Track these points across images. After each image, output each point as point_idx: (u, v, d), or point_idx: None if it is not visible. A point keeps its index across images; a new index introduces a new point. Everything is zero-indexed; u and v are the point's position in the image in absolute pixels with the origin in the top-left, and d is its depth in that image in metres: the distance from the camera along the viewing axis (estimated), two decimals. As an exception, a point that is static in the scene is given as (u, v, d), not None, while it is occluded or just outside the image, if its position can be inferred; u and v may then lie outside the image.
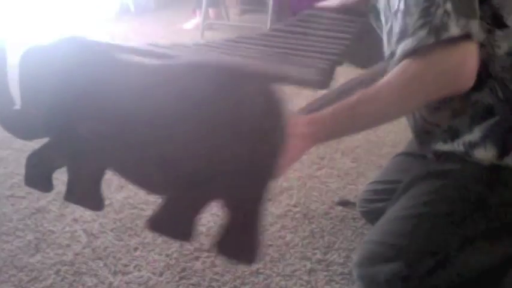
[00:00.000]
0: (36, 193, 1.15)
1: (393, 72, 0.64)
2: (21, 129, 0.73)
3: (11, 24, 2.84)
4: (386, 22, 0.72)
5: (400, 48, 0.64)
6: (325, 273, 0.92)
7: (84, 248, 0.97)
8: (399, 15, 0.66)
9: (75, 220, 1.05)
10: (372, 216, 0.99)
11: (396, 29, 0.67)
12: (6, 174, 1.23)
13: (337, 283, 0.89)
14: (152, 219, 0.69)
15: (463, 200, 0.75)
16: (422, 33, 0.61)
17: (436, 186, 0.77)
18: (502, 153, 0.73)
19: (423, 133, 0.80)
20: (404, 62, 0.64)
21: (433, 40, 0.60)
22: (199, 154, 0.60)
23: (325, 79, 0.65)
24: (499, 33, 0.68)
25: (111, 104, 0.63)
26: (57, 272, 0.90)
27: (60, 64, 0.65)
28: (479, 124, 0.73)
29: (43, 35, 2.62)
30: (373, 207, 1.00)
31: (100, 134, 0.65)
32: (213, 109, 0.55)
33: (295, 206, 1.13)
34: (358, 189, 1.20)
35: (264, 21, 2.69)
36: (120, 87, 0.62)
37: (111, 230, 1.02)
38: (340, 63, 0.74)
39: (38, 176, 0.75)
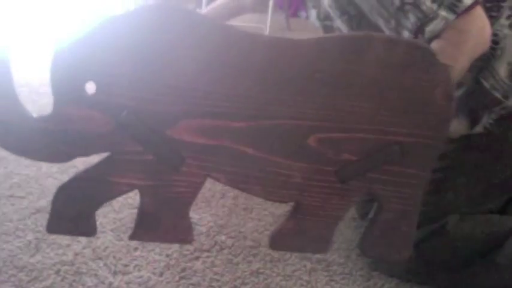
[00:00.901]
0: (36, 193, 1.15)
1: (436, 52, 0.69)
2: (52, 145, 0.57)
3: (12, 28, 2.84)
4: (388, 21, 0.73)
5: (429, 33, 0.68)
6: (325, 273, 0.92)
7: (84, 248, 0.97)
8: (408, 7, 0.69)
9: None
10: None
11: (409, 20, 0.70)
12: (6, 174, 1.23)
13: (337, 283, 0.89)
14: (278, 236, 0.64)
15: (441, 170, 0.82)
16: (443, 12, 0.66)
17: None
18: (473, 123, 0.80)
19: None
20: (441, 42, 0.68)
21: (455, 15, 0.66)
22: (374, 131, 0.58)
23: None
24: None
25: (237, 84, 0.55)
26: (57, 272, 0.90)
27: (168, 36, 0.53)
28: None
29: (42, 38, 2.62)
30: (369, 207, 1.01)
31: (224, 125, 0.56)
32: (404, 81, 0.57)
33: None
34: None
35: (264, 21, 2.69)
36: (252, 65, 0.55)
37: (111, 230, 1.02)
38: None
39: (78, 215, 0.61)
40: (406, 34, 0.71)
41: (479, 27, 0.69)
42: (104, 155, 0.58)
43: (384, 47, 0.56)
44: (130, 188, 0.60)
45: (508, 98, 0.78)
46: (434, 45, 0.69)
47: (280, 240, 0.66)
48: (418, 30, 0.69)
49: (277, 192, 0.62)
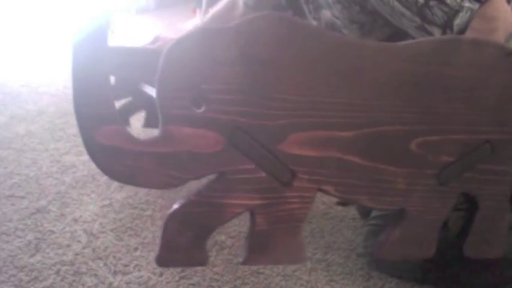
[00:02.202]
0: (36, 193, 1.15)
1: None
2: (161, 169, 0.52)
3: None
4: (412, 19, 0.74)
5: (458, 25, 0.70)
6: (325, 273, 0.92)
7: (84, 248, 0.97)
8: (433, 3, 0.71)
9: (75, 220, 1.05)
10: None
11: (436, 15, 0.71)
12: (6, 174, 1.23)
13: (337, 283, 0.89)
14: (385, 245, 0.65)
15: None
16: (467, 4, 0.68)
17: None
18: None
19: None
20: (469, 33, 0.69)
21: (478, 4, 0.68)
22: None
23: None
24: None
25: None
26: (57, 272, 0.90)
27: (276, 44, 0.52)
28: None
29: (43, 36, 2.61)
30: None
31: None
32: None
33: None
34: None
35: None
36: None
37: (111, 230, 1.02)
38: None
39: (190, 244, 0.57)
40: (435, 30, 0.72)
41: (504, 11, 0.69)
42: (212, 176, 0.56)
43: (472, 49, 0.58)
44: (243, 209, 0.58)
45: None
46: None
47: (388, 249, 0.66)
48: (446, 25, 0.70)
49: (383, 200, 0.62)
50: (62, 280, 0.88)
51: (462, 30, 0.70)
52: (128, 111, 1.20)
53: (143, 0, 3.51)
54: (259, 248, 0.60)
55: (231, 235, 1.02)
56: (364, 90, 0.56)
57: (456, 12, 0.69)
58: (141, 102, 1.17)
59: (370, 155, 0.59)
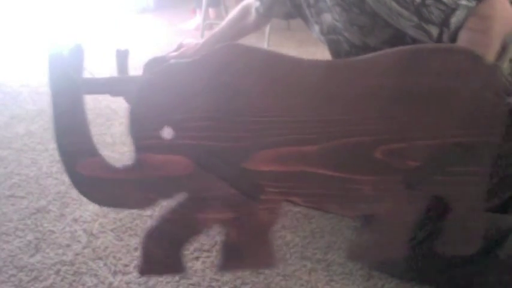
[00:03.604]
0: (36, 193, 1.15)
1: (468, 43, 0.69)
2: (136, 192, 0.58)
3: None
4: (409, 19, 0.74)
5: (454, 23, 0.69)
6: (325, 273, 0.92)
7: (84, 248, 0.97)
8: (429, 1, 0.71)
9: (75, 220, 1.05)
10: None
11: (433, 14, 0.71)
12: (6, 174, 1.23)
13: (337, 283, 0.89)
14: (356, 247, 0.68)
15: None
16: (463, 2, 0.68)
17: None
18: None
19: None
20: (468, 31, 0.69)
21: (475, 2, 0.67)
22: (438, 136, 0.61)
23: None
24: None
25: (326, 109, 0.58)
26: (57, 272, 0.90)
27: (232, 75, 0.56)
28: None
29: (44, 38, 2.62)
30: None
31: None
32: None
33: (295, 206, 1.13)
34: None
35: (264, 21, 2.69)
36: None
37: (111, 230, 1.02)
38: None
39: (167, 255, 0.63)
40: (432, 29, 0.72)
41: (501, 9, 0.69)
42: (185, 194, 0.60)
43: (436, 57, 0.59)
44: (215, 222, 0.63)
45: (509, 95, 0.78)
46: (462, 36, 0.69)
47: (359, 251, 0.69)
48: (443, 23, 0.70)
49: (351, 208, 0.64)
50: (62, 280, 0.88)
51: (459, 28, 0.70)
52: None
53: (143, 0, 3.52)
54: (233, 255, 0.65)
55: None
56: (327, 107, 0.58)
57: (453, 10, 0.69)
58: None
59: (336, 166, 0.61)
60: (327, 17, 0.88)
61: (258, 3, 1.10)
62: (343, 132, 0.59)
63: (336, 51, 0.93)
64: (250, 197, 0.60)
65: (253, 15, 1.13)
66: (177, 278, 0.89)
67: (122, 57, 0.69)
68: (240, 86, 0.56)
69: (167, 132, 0.56)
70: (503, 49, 0.77)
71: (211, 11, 2.95)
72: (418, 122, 0.60)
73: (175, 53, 1.11)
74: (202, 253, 0.96)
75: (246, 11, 1.15)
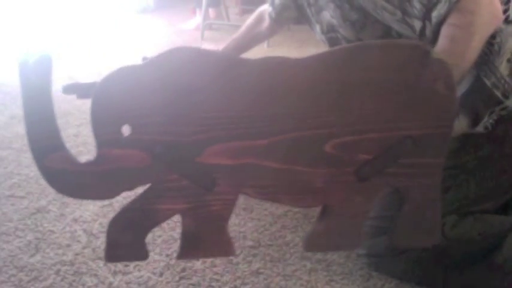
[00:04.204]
0: (36, 193, 1.15)
1: (448, 38, 0.70)
2: (99, 184, 0.62)
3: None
4: (393, 14, 0.75)
5: (435, 17, 0.69)
6: (325, 273, 0.92)
7: (84, 248, 0.97)
8: None
9: (75, 220, 1.05)
10: None
11: (415, 8, 0.71)
12: (6, 174, 1.23)
13: (337, 283, 0.89)
14: (310, 238, 0.69)
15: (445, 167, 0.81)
16: None
17: None
18: (474, 122, 0.80)
19: None
20: (449, 27, 0.69)
21: None
22: (391, 128, 0.63)
23: None
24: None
25: (277, 106, 0.61)
26: (57, 272, 0.90)
27: (182, 77, 0.59)
28: None
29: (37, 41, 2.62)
30: None
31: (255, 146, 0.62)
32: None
33: (294, 206, 1.13)
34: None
35: (264, 21, 2.69)
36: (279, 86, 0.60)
37: (111, 230, 1.02)
38: None
39: (130, 242, 0.67)
40: (415, 22, 0.72)
41: (485, 4, 0.68)
42: (146, 186, 0.65)
43: (382, 52, 0.61)
44: (173, 212, 0.66)
45: (507, 98, 0.78)
46: (443, 31, 0.69)
47: (313, 242, 0.71)
48: (425, 17, 0.70)
49: (304, 199, 0.67)
50: (62, 280, 0.88)
51: (440, 22, 0.70)
52: None
53: (143, 0, 3.52)
54: (190, 244, 0.68)
55: (231, 235, 1.02)
56: (275, 102, 0.61)
57: (434, 4, 0.68)
58: None
59: (286, 159, 0.63)
60: (326, 15, 0.88)
61: (270, 9, 1.11)
62: (293, 126, 0.62)
63: None
64: (205, 189, 0.64)
65: (267, 21, 1.15)
66: (177, 278, 0.89)
67: None
68: (191, 85, 0.59)
69: (125, 129, 0.60)
70: (500, 49, 0.77)
71: (211, 11, 2.95)
72: (368, 115, 0.62)
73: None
74: (202, 253, 0.96)
75: (261, 17, 1.17)
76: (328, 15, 0.87)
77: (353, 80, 0.60)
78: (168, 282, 0.88)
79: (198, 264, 0.93)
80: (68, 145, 0.63)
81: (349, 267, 0.93)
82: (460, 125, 0.80)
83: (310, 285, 0.89)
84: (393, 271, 0.89)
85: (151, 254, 0.95)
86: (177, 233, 1.02)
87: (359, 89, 0.61)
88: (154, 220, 0.67)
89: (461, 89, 0.80)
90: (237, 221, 1.06)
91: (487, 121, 0.79)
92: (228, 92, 0.60)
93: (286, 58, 0.61)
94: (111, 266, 0.92)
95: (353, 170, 0.64)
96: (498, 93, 0.78)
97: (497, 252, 0.81)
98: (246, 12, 3.44)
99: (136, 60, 1.09)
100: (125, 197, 1.12)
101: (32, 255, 0.94)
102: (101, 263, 0.92)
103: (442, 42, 0.70)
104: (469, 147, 0.83)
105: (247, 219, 1.07)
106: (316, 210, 0.70)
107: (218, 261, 0.94)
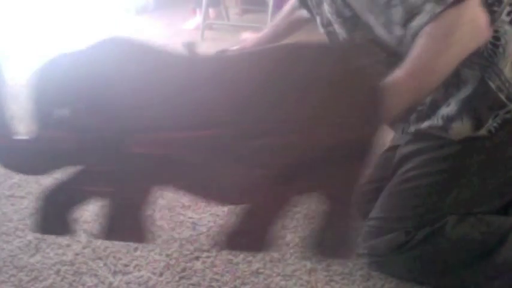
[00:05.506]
0: (36, 193, 1.15)
1: (421, 48, 0.68)
2: (33, 161, 0.68)
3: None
4: (378, 17, 0.74)
5: (414, 27, 0.68)
6: (325, 273, 0.92)
7: (84, 248, 0.97)
8: (395, 1, 0.70)
9: (75, 220, 1.05)
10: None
11: (397, 14, 0.70)
12: (6, 174, 1.23)
13: (337, 283, 0.89)
14: (230, 236, 0.69)
15: (445, 171, 0.83)
16: (429, 5, 0.66)
17: (422, 161, 0.85)
18: (478, 125, 0.79)
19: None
20: (424, 36, 0.67)
21: (441, 7, 0.65)
22: (310, 136, 0.63)
23: None
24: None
25: (195, 104, 0.62)
26: (57, 272, 0.90)
27: (108, 67, 0.62)
28: (454, 95, 0.79)
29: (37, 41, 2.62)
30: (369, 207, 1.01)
31: (170, 143, 0.63)
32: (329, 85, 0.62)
33: (295, 206, 1.13)
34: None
35: (264, 21, 2.69)
36: (202, 83, 0.61)
37: (111, 230, 1.02)
38: None
39: (55, 218, 0.72)
40: (396, 29, 0.71)
41: (469, 19, 0.67)
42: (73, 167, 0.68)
43: (311, 55, 0.61)
44: (97, 195, 0.70)
45: (511, 101, 0.77)
46: (417, 40, 0.67)
47: (227, 241, 0.71)
48: (405, 25, 0.69)
49: (219, 197, 0.68)
50: (62, 280, 0.88)
51: (417, 32, 0.68)
52: None
53: (143, 0, 3.52)
54: (109, 226, 0.70)
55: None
56: (201, 96, 0.62)
57: (417, 13, 0.67)
58: None
59: (205, 156, 0.64)
60: (325, 9, 0.87)
61: None
62: (216, 122, 0.62)
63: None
64: (125, 176, 0.66)
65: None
66: (177, 278, 0.89)
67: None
68: (118, 75, 0.62)
69: (59, 113, 0.64)
70: (504, 52, 0.76)
71: (211, 11, 2.95)
72: (292, 118, 0.62)
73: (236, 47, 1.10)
74: (202, 253, 0.96)
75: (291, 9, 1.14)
76: (326, 9, 0.86)
77: (279, 81, 0.61)
78: (168, 282, 0.88)
79: (198, 264, 0.93)
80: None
81: (349, 267, 0.93)
82: (463, 128, 0.79)
83: (310, 285, 0.89)
84: (394, 271, 0.89)
85: (151, 253, 0.95)
86: (177, 233, 1.02)
87: (286, 90, 0.61)
88: (78, 199, 0.71)
89: (465, 92, 0.79)
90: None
91: (490, 125, 0.78)
92: (150, 84, 0.62)
93: (216, 54, 0.62)
94: (111, 266, 0.92)
95: (274, 173, 0.64)
96: (502, 97, 0.77)
97: (497, 252, 0.81)
98: (246, 12, 3.44)
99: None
100: (125, 197, 1.12)
101: (32, 255, 0.94)
102: (101, 263, 0.92)
103: (412, 51, 0.68)
104: (472, 150, 0.82)
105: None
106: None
107: (218, 261, 0.94)
